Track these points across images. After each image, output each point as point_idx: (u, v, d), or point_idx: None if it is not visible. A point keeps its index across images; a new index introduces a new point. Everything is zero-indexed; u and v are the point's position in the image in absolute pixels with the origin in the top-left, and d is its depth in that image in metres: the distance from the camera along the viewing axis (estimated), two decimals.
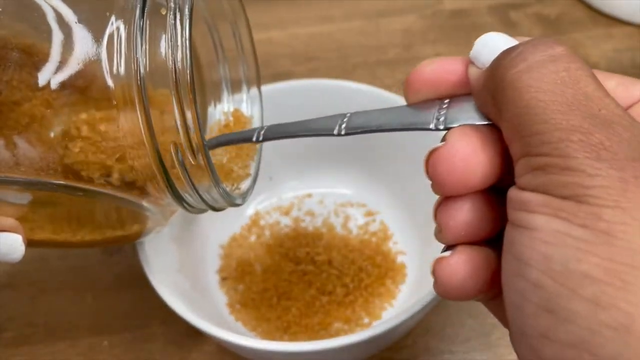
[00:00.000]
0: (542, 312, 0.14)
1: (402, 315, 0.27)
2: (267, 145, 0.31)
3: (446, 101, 0.19)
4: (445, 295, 0.18)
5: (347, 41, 0.53)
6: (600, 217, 0.14)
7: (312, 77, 0.49)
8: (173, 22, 0.22)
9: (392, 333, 0.28)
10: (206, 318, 0.28)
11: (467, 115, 0.18)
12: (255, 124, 0.32)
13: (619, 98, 0.17)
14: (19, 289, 0.38)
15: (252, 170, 0.30)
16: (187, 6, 0.22)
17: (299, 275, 0.36)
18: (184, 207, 0.26)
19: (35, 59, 0.22)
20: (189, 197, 0.25)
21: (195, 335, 0.35)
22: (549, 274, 0.14)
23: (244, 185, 0.29)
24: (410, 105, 0.20)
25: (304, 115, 0.34)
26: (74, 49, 0.22)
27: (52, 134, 0.22)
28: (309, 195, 0.41)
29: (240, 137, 0.26)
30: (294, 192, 0.41)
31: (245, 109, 0.32)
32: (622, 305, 0.13)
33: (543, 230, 0.14)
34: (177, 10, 0.22)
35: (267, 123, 0.32)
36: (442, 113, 0.19)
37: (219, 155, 0.29)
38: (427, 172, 0.18)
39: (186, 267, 0.34)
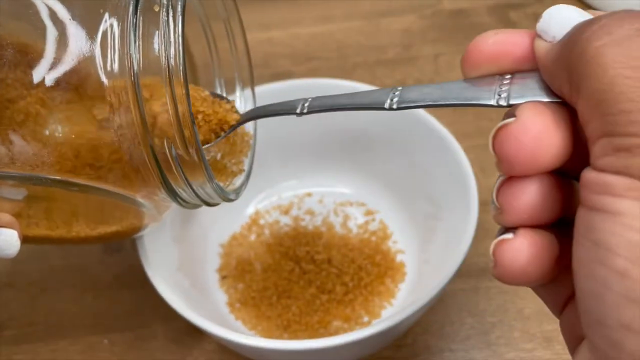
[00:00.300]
0: (627, 302, 0.14)
1: (401, 314, 0.27)
2: (266, 144, 0.31)
3: (508, 76, 0.18)
4: (504, 280, 0.18)
5: (347, 41, 0.53)
6: None
7: (312, 77, 0.49)
8: (166, 18, 0.22)
9: (392, 332, 0.28)
10: (206, 316, 0.28)
11: (533, 91, 0.17)
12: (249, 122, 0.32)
13: None
14: (20, 288, 0.38)
15: (245, 167, 0.30)
16: (179, 3, 0.22)
17: (298, 274, 0.36)
18: (178, 202, 0.26)
19: (30, 57, 0.22)
20: (183, 192, 0.25)
21: (195, 333, 0.35)
22: (637, 262, 0.13)
23: (238, 181, 0.29)
24: (468, 79, 0.19)
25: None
26: (68, 47, 0.22)
27: (47, 132, 0.22)
28: (309, 195, 0.41)
29: (280, 109, 0.24)
30: (293, 191, 0.41)
31: (238, 107, 0.32)
32: None
33: (631, 215, 0.14)
34: (170, 7, 0.22)
35: (266, 123, 0.32)
36: (504, 88, 0.18)
37: (213, 152, 0.29)
38: (494, 149, 0.17)
39: (186, 265, 0.34)
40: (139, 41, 0.22)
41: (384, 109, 0.20)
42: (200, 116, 0.27)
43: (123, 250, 0.39)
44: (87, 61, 0.22)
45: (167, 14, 0.22)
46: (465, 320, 0.35)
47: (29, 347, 0.36)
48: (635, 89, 0.14)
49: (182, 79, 0.22)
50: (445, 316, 0.36)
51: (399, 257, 0.37)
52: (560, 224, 0.18)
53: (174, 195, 0.25)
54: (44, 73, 0.22)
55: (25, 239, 0.24)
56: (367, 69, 0.50)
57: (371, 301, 0.35)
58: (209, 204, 0.27)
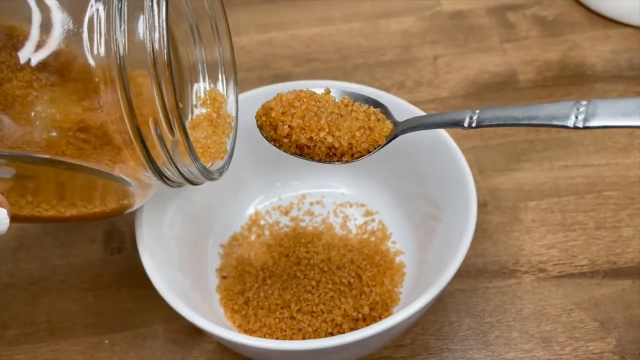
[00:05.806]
0: None
1: (400, 315, 0.27)
2: (266, 145, 0.31)
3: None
4: None
5: (346, 42, 0.53)
6: None
7: (312, 78, 0.49)
8: (150, 3, 0.23)
9: (391, 332, 0.28)
10: (206, 316, 0.28)
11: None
12: (231, 104, 0.33)
13: None
14: (21, 287, 0.38)
15: (228, 147, 0.31)
16: None
17: (298, 275, 0.36)
18: (164, 181, 0.27)
19: (15, 40, 0.22)
20: (168, 171, 0.26)
21: (195, 333, 0.36)
22: None
23: (221, 161, 0.30)
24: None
25: None
26: (53, 30, 0.23)
27: (32, 113, 0.23)
28: (309, 195, 0.41)
29: (442, 120, 0.23)
30: (293, 192, 0.42)
31: (221, 89, 0.33)
32: None
33: None
34: None
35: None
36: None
37: (196, 134, 0.30)
38: None
39: (187, 265, 0.34)
40: (124, 25, 0.23)
41: (567, 127, 0.19)
42: (360, 132, 0.29)
43: (124, 251, 0.40)
44: (73, 44, 0.23)
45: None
46: (464, 320, 0.36)
47: (30, 347, 0.36)
48: None
49: (165, 61, 0.23)
50: (444, 316, 0.36)
51: (398, 258, 0.37)
52: None
53: (159, 174, 0.26)
54: (29, 55, 0.22)
55: (15, 218, 0.24)
56: (366, 70, 0.50)
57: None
58: (193, 183, 0.28)
